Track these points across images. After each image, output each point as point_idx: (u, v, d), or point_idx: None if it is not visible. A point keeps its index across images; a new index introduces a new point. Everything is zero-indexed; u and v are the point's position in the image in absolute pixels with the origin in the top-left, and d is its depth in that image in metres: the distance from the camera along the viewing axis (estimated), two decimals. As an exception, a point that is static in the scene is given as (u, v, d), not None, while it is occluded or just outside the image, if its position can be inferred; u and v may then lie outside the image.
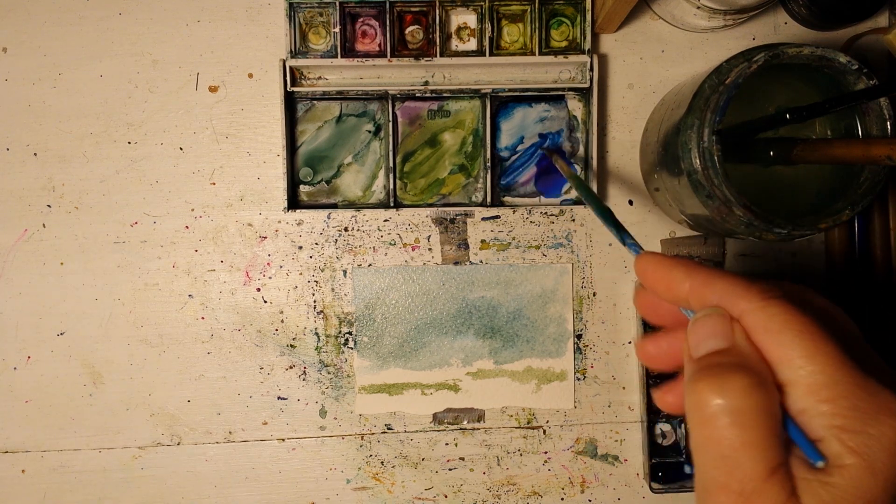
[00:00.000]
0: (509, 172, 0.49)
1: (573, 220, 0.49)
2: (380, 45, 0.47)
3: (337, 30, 0.46)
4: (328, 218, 0.49)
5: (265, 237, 0.49)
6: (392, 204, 0.47)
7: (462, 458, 0.50)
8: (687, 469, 0.48)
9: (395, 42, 0.47)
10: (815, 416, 0.21)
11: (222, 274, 0.49)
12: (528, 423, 0.50)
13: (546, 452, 0.50)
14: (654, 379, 0.49)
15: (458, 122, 0.48)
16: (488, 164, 0.47)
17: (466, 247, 0.49)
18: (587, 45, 0.47)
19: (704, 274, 0.25)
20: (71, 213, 0.48)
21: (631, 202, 0.50)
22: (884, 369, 0.23)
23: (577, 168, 0.48)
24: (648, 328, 0.48)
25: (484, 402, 0.50)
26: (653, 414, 0.49)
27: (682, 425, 0.48)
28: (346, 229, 0.49)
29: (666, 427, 0.49)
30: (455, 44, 0.48)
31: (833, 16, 0.46)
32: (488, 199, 0.47)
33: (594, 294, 0.50)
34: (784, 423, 0.22)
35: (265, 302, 0.49)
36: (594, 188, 0.47)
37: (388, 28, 0.46)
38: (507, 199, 0.49)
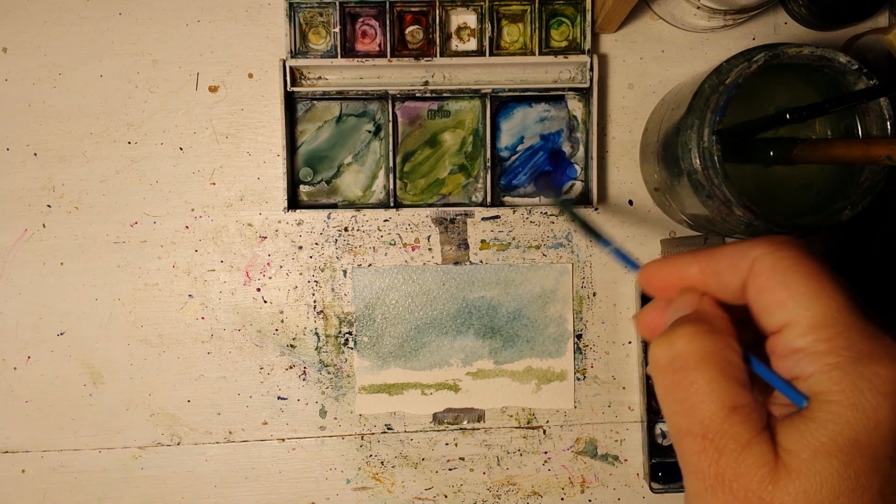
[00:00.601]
0: (509, 172, 0.49)
1: (573, 220, 0.49)
2: (380, 45, 0.47)
3: (337, 30, 0.46)
4: (328, 218, 0.49)
5: (265, 237, 0.49)
6: (392, 204, 0.47)
7: (462, 458, 0.50)
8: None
9: (395, 42, 0.47)
10: (811, 355, 0.21)
11: (222, 274, 0.49)
12: (528, 423, 0.50)
13: (546, 452, 0.50)
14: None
15: (458, 122, 0.48)
16: (488, 164, 0.47)
17: (466, 247, 0.49)
18: (587, 45, 0.47)
19: (709, 249, 0.25)
20: (71, 213, 0.48)
21: (631, 202, 0.50)
22: (884, 326, 0.22)
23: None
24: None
25: (484, 402, 0.50)
26: (653, 414, 0.49)
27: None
28: (346, 229, 0.49)
29: (666, 427, 0.49)
30: (455, 44, 0.48)
31: (833, 16, 0.46)
32: (488, 199, 0.47)
33: (594, 294, 0.50)
34: (751, 365, 0.23)
35: (265, 302, 0.49)
36: (593, 189, 0.47)
37: (388, 28, 0.46)
38: (507, 199, 0.49)
